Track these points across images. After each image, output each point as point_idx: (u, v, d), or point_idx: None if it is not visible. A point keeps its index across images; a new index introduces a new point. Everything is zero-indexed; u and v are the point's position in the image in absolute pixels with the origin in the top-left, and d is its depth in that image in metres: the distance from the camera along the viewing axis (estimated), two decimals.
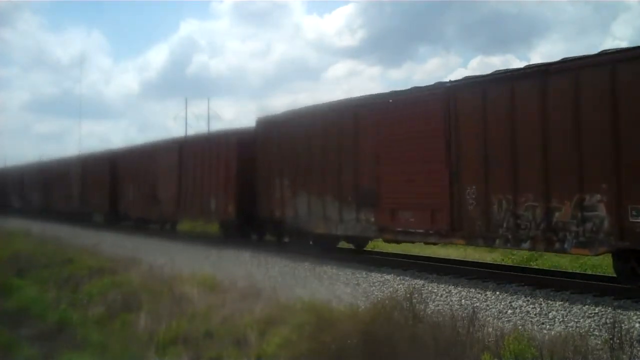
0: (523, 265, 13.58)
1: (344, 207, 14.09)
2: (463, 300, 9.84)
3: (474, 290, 10.21)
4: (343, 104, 14.54)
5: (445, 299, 10.10)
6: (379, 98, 13.47)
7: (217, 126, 55.41)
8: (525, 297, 9.53)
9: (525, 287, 10.10)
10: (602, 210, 9.28)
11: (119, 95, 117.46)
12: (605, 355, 6.59)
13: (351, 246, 16.14)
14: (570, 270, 12.62)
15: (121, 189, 27.00)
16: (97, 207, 29.78)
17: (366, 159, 13.60)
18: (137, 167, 25.52)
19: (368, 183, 13.48)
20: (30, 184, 40.81)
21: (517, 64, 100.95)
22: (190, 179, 20.80)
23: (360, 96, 14.16)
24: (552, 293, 9.55)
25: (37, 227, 26.97)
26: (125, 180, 26.57)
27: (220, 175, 18.99)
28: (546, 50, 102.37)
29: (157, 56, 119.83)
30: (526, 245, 10.43)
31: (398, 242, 13.83)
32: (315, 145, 15.22)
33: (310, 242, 15.80)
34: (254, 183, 17.59)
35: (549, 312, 8.74)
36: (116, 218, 27.71)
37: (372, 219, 13.37)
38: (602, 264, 13.58)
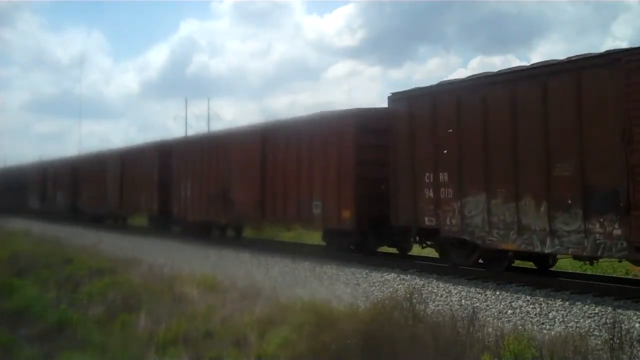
0: (523, 266, 13.56)
1: (557, 214, 9.92)
2: (463, 300, 9.84)
3: (474, 290, 10.21)
4: (550, 66, 10.47)
5: (445, 299, 10.10)
6: (630, 53, 9.23)
7: (217, 126, 55.08)
8: (525, 297, 9.53)
9: (525, 287, 10.10)
10: None
11: (119, 95, 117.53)
12: (605, 355, 6.59)
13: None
14: (571, 270, 12.62)
15: (176, 188, 21.82)
16: (140, 209, 24.85)
17: (603, 143, 9.35)
18: (200, 161, 20.50)
19: (606, 178, 9.32)
20: (54, 183, 35.52)
21: (518, 64, 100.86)
22: (279, 175, 16.45)
23: (582, 55, 10.17)
24: (552, 293, 9.55)
25: (41, 228, 26.96)
26: (182, 177, 21.44)
27: (328, 170, 14.71)
28: (546, 50, 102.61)
29: (157, 56, 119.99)
30: None
31: None
32: (499, 123, 10.86)
33: (480, 261, 11.81)
34: (383, 179, 13.45)
35: (549, 312, 8.75)
36: (166, 222, 22.73)
37: (618, 232, 9.20)
38: (601, 264, 13.56)
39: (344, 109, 15.18)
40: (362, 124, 14.14)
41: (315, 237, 17.83)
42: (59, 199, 34.26)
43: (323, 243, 15.97)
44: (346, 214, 14.10)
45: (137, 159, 25.47)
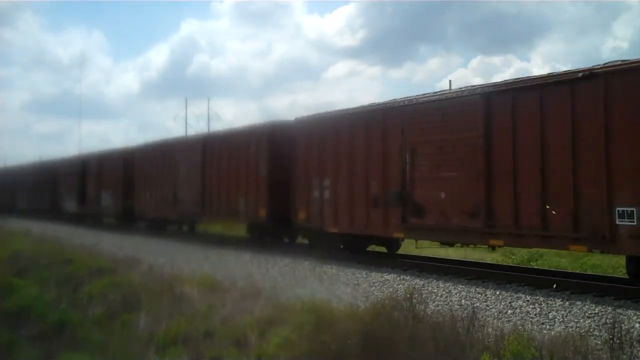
0: (523, 266, 13.57)
1: None
2: (463, 301, 9.84)
3: (474, 290, 10.20)
4: None
5: (445, 299, 10.10)
6: None
7: (217, 126, 54.67)
8: (525, 297, 9.53)
9: (525, 287, 10.09)
10: None
11: (119, 95, 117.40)
12: (605, 355, 6.59)
13: None
14: (570, 270, 12.62)
15: (301, 186, 15.60)
16: (236, 213, 18.03)
17: None
18: (349, 148, 14.10)
19: None
20: (97, 181, 28.27)
21: (518, 64, 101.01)
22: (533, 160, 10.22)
23: None
24: (552, 293, 9.55)
25: (42, 228, 26.92)
26: (315, 170, 15.07)
27: None
28: (547, 51, 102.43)
29: (158, 56, 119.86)
30: None
31: None
32: None
33: None
34: None
35: (549, 312, 8.74)
36: (281, 231, 17.07)
37: None
38: (602, 264, 13.60)
39: None
40: None
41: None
42: (104, 201, 27.17)
43: None
44: None
45: (230, 146, 18.66)
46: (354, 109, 14.44)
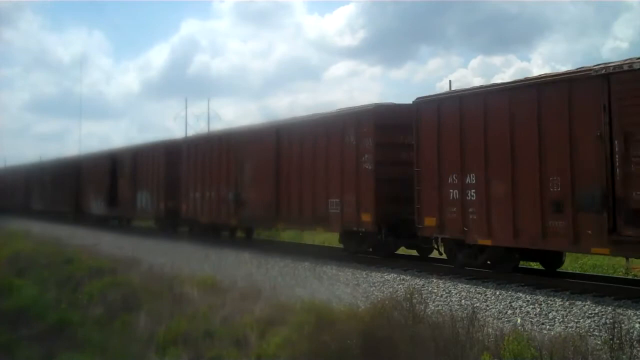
0: (523, 266, 13.56)
1: None
2: (463, 301, 9.84)
3: (474, 290, 10.20)
4: None
5: (445, 299, 10.10)
6: None
7: (217, 126, 54.53)
8: (526, 297, 9.53)
9: (525, 287, 10.09)
10: None
11: (120, 95, 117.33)
12: (605, 356, 6.60)
13: None
14: (571, 271, 12.62)
15: (434, 181, 11.93)
16: (326, 218, 14.44)
17: None
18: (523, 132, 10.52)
19: None
20: (131, 179, 24.48)
21: (518, 64, 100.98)
22: None
23: None
24: (552, 293, 9.55)
25: (42, 228, 26.92)
26: (453, 164, 11.56)
27: None
28: (547, 51, 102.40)
29: (158, 56, 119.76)
30: None
31: None
32: None
33: None
34: None
35: (549, 313, 8.75)
36: (390, 243, 13.57)
37: None
38: (602, 264, 13.60)
39: None
40: None
41: None
42: (141, 202, 23.49)
43: None
44: None
45: (317, 135, 14.85)
46: (513, 82, 11.07)
